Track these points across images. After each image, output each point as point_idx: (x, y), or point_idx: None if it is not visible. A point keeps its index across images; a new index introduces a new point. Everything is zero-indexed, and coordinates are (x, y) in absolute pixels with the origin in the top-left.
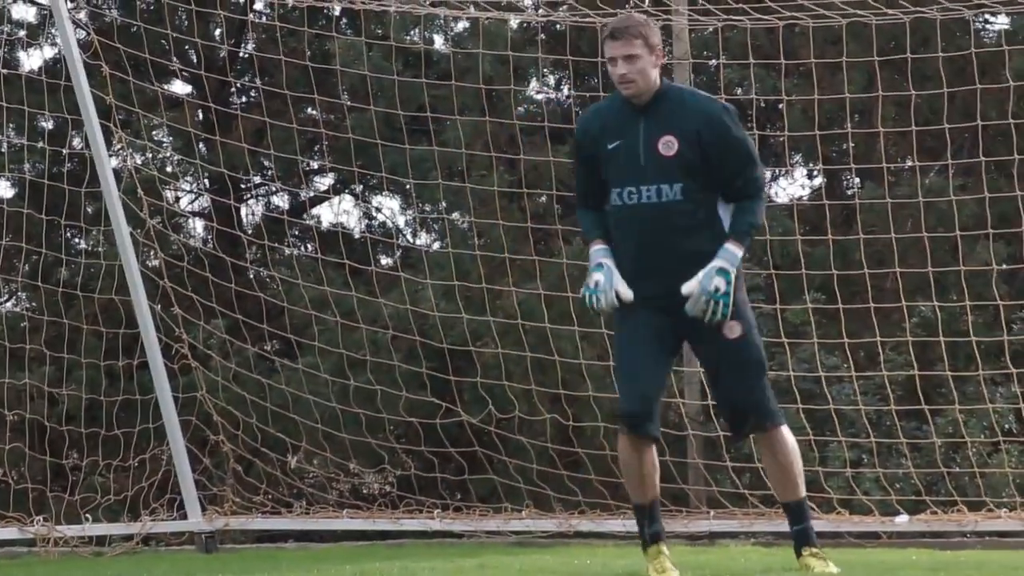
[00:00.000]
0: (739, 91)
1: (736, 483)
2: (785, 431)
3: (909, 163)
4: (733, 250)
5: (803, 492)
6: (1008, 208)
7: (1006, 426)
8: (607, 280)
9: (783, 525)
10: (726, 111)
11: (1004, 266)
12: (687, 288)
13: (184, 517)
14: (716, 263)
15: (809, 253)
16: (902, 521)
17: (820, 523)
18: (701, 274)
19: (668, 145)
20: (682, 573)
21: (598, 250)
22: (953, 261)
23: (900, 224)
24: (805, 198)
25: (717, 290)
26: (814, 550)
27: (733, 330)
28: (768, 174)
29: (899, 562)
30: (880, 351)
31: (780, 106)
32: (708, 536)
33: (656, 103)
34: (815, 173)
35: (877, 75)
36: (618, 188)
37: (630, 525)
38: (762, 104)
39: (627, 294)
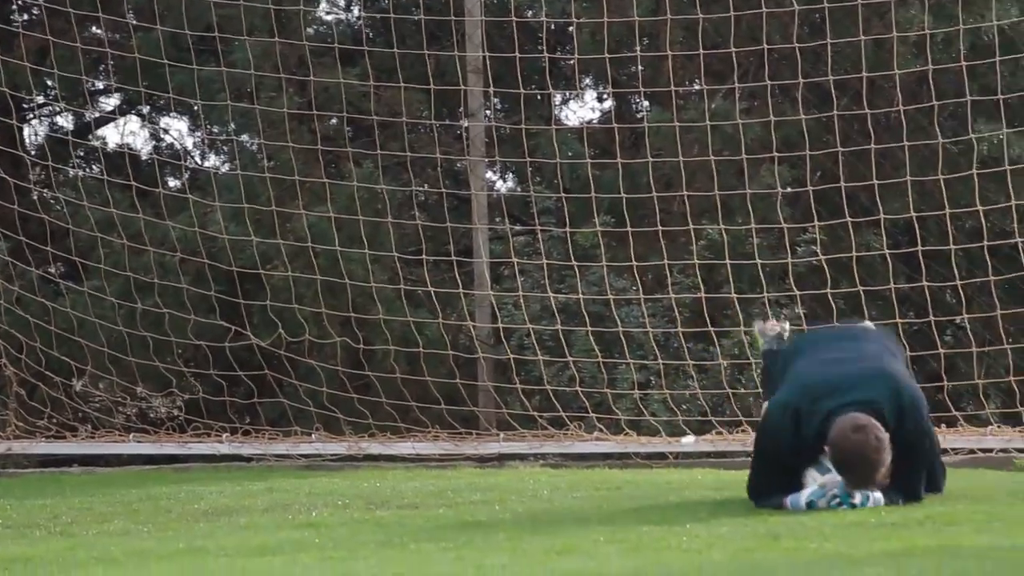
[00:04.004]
0: (529, 13)
1: (526, 405)
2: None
3: (696, 87)
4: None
5: None
6: (792, 132)
7: None
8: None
9: (572, 447)
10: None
11: (788, 189)
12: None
13: None
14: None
15: (599, 176)
16: (688, 442)
17: (608, 444)
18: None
19: None
20: (470, 495)
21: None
22: (739, 184)
23: (687, 147)
24: (595, 121)
25: (834, 497)
26: None
27: None
28: (559, 97)
29: (685, 482)
30: (668, 273)
31: (570, 29)
32: (498, 458)
33: None
34: (604, 96)
35: None
36: None
37: (420, 448)
38: (552, 27)
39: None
